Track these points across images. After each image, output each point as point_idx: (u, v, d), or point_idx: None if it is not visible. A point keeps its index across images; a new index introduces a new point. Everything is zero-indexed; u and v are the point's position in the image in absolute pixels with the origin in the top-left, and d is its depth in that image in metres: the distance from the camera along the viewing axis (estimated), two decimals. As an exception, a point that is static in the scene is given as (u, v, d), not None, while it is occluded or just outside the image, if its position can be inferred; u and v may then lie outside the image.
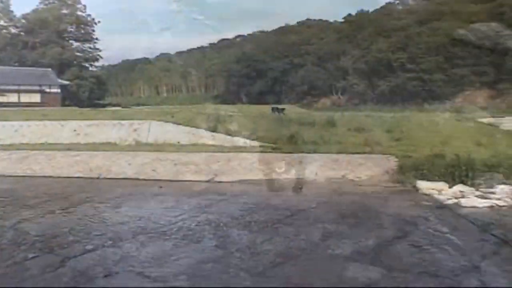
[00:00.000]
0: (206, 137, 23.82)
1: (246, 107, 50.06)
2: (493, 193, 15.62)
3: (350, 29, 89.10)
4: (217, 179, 18.61)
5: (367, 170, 18.65)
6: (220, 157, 19.75)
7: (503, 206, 14.43)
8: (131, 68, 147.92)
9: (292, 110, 46.25)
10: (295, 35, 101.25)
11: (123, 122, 26.07)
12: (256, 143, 22.71)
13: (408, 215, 13.43)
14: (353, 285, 8.28)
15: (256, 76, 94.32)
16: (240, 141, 23.07)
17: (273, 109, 39.73)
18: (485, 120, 31.13)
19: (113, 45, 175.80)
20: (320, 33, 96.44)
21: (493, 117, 34.38)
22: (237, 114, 28.48)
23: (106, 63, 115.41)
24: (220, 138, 23.51)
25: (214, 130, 24.35)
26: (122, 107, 60.07)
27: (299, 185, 17.54)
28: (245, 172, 18.82)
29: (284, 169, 18.77)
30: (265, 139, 23.23)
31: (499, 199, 14.90)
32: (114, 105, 72.26)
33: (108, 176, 19.49)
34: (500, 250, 10.40)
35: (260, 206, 14.46)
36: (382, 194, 16.44)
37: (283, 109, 39.95)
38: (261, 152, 20.55)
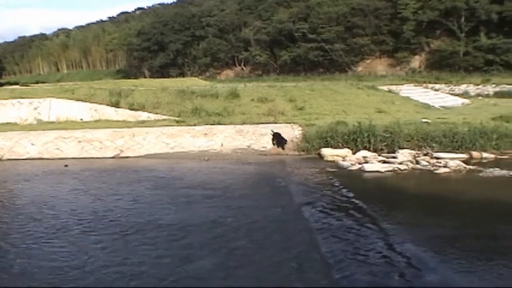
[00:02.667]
0: (109, 113, 23.75)
1: (148, 81, 48.89)
2: (395, 157, 16.38)
3: (251, 0, 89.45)
4: (122, 154, 18.47)
5: (271, 140, 18.93)
6: (124, 133, 19.54)
7: (404, 170, 15.17)
8: (28, 45, 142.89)
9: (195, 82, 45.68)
10: (196, 7, 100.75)
11: (22, 101, 25.45)
12: (160, 117, 22.62)
13: (313, 181, 13.70)
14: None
15: (157, 50, 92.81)
16: (144, 115, 22.96)
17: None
18: (385, 88, 32.70)
19: (6, 21, 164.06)
20: (221, 5, 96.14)
21: (392, 84, 36.24)
22: (139, 89, 27.76)
23: (1, 41, 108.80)
24: (123, 113, 23.34)
25: (116, 105, 24.19)
26: (21, 86, 55.97)
27: (204, 157, 17.60)
28: (150, 146, 18.84)
29: (189, 141, 18.85)
30: (168, 113, 23.17)
31: (400, 163, 15.64)
32: (12, 84, 67.33)
33: (12, 157, 18.67)
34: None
35: (164, 180, 14.40)
36: (287, 162, 16.78)
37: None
38: (166, 125, 20.55)
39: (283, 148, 14.50)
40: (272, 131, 16.18)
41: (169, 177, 14.90)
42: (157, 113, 23.02)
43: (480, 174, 14.26)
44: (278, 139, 15.40)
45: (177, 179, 14.47)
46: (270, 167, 16.02)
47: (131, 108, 23.55)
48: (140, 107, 23.55)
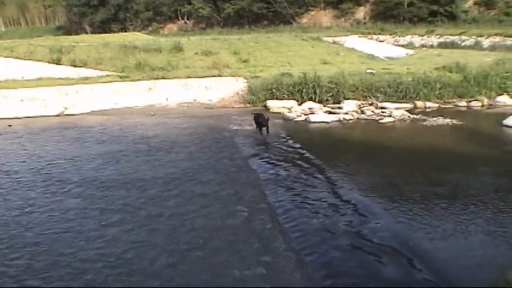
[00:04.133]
0: (51, 70, 22.59)
1: (90, 37, 46.86)
2: (340, 108, 16.55)
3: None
4: (67, 112, 18.01)
5: (217, 93, 18.99)
6: (68, 90, 18.85)
7: (350, 120, 15.36)
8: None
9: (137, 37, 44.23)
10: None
11: (-43, 60, 23.74)
12: (103, 73, 21.96)
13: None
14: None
15: (97, 5, 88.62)
16: (87, 72, 22.17)
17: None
18: (329, 39, 32.76)
19: None
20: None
21: (337, 36, 36.34)
22: (81, 45, 26.62)
23: None
24: (65, 70, 22.41)
25: (58, 62, 23.22)
26: (-44, 45, 51.90)
27: (150, 112, 17.42)
28: (95, 103, 18.40)
29: (134, 96, 18.55)
30: (112, 68, 22.60)
31: (346, 113, 15.82)
32: None
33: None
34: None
35: (110, 136, 14.08)
36: (233, 115, 16.68)
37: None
38: (110, 81, 19.91)
39: (267, 132, 13.07)
40: (252, 113, 14.16)
41: (115, 133, 14.49)
42: (100, 69, 22.35)
43: (424, 123, 14.62)
44: (258, 121, 13.16)
45: (122, 135, 14.10)
46: (217, 120, 15.87)
47: (73, 65, 22.74)
48: (83, 63, 22.77)
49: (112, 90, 18.74)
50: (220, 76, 20.20)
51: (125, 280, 6.07)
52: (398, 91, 17.61)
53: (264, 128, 13.10)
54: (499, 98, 17.47)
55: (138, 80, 19.85)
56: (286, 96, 17.75)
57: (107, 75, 21.50)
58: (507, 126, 13.53)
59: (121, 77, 20.82)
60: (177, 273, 6.29)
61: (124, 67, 22.46)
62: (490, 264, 5.72)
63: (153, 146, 12.48)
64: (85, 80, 20.48)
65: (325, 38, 32.74)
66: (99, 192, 9.15)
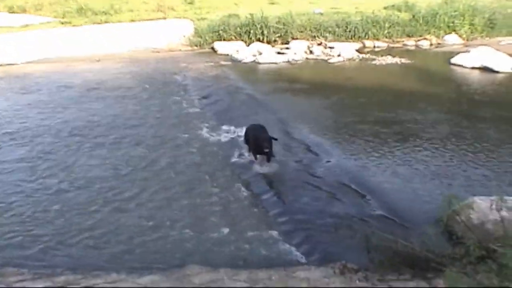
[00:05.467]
0: None
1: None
2: (288, 48, 16.33)
3: None
4: (8, 61, 16.64)
5: (163, 36, 18.32)
6: (8, 38, 17.59)
7: (299, 60, 15.21)
8: None
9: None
10: None
11: None
12: (44, 19, 20.65)
13: (208, 76, 13.43)
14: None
15: None
16: (26, 18, 20.76)
17: None
18: (277, -21, 31.94)
19: None
20: None
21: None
22: None
23: None
24: (3, 18, 20.89)
25: None
26: None
27: (96, 58, 16.51)
28: (38, 51, 17.16)
29: (77, 43, 17.53)
30: (52, 14, 21.33)
31: (294, 54, 15.63)
32: None
33: None
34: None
35: (55, 83, 13.31)
36: (181, 58, 16.22)
37: None
38: (51, 28, 18.80)
39: (269, 160, 7.35)
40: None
41: (60, 81, 13.66)
42: (40, 15, 21.05)
43: (373, 62, 14.66)
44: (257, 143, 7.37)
45: (68, 82, 13.33)
46: (164, 64, 15.36)
47: (11, 11, 21.43)
48: (21, 10, 21.53)
49: (54, 37, 17.70)
50: (165, 19, 19.49)
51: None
52: (347, 30, 17.50)
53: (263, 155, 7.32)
54: (447, 37, 17.65)
55: (81, 25, 18.96)
56: (233, 38, 17.35)
57: (48, 22, 20.31)
58: (454, 64, 13.71)
59: (62, 23, 19.82)
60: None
61: (65, 12, 21.35)
62: (435, 197, 5.79)
63: (102, 93, 11.98)
64: (26, 27, 19.32)
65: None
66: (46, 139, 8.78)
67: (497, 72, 12.71)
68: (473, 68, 13.28)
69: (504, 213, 4.28)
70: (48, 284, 4.30)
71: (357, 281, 3.95)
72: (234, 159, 7.72)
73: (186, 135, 8.72)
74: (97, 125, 9.32)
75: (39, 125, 9.50)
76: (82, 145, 8.33)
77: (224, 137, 8.61)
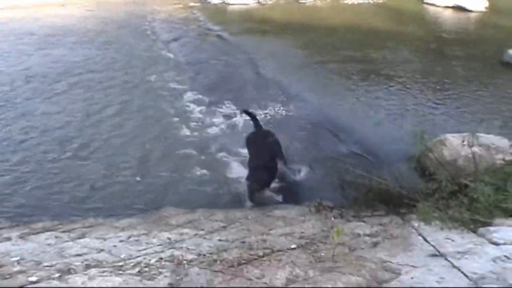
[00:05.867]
0: None
1: None
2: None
3: None
4: None
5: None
6: None
7: (269, 1, 14.89)
8: None
9: None
10: None
11: None
12: None
13: (177, 18, 13.15)
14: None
15: None
16: None
17: None
18: None
19: None
20: None
21: None
22: None
23: None
24: None
25: None
26: None
27: (60, 3, 15.74)
28: None
29: None
30: None
31: (266, -5, 15.29)
32: None
33: None
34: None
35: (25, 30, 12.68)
36: (149, 1, 15.61)
37: None
38: None
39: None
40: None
41: (22, 27, 12.96)
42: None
43: (345, 2, 14.49)
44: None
45: (31, 28, 12.62)
46: (132, 7, 14.79)
47: None
48: None
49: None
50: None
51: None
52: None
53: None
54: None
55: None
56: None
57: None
58: (427, 3, 13.61)
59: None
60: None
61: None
62: (407, 135, 5.81)
63: (63, 38, 11.47)
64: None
65: None
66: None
67: (470, 11, 12.68)
68: (446, 7, 13.22)
69: (475, 149, 4.34)
70: (27, 230, 4.24)
71: (333, 218, 4.00)
72: (208, 99, 7.60)
73: (153, 79, 8.49)
74: (58, 72, 8.92)
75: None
76: (42, 93, 7.98)
77: (194, 80, 8.44)
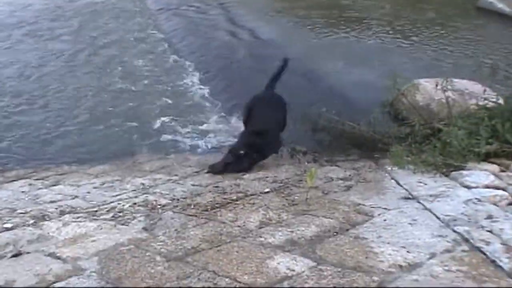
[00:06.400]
0: None
1: None
2: None
3: None
4: None
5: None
6: None
7: None
8: None
9: None
10: None
11: None
12: None
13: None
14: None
15: None
16: None
17: None
18: None
19: None
20: None
21: None
22: None
23: None
24: None
25: None
26: None
27: None
28: None
29: None
30: None
31: None
32: None
33: None
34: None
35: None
36: None
37: None
38: None
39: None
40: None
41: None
42: None
43: None
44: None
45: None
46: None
47: None
48: None
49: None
50: None
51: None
52: None
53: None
54: None
55: None
56: None
57: None
58: None
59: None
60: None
61: None
62: (380, 80, 5.76)
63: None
64: None
65: None
66: None
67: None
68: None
69: (449, 93, 4.32)
70: (0, 179, 4.22)
71: (306, 163, 3.98)
72: (179, 45, 7.38)
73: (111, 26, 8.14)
74: (16, 20, 8.52)
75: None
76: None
77: (164, 21, 8.17)
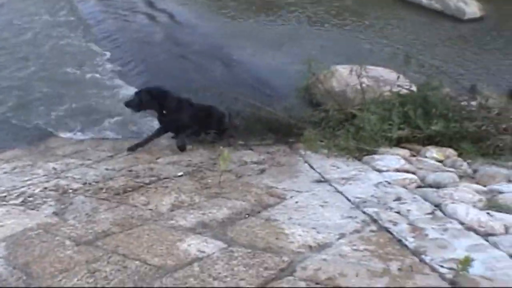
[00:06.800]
0: None
1: None
2: None
3: None
4: None
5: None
6: None
7: None
8: None
9: None
10: None
11: None
12: None
13: None
14: None
15: None
16: None
17: None
18: None
19: None
20: None
21: None
22: None
23: None
24: None
25: None
26: None
27: None
28: None
29: None
30: None
31: None
32: None
33: None
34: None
35: None
36: None
37: None
38: None
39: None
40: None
41: None
42: None
43: None
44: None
45: None
46: None
47: None
48: None
49: None
50: None
51: None
52: None
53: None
54: None
55: None
56: None
57: None
58: None
59: None
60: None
61: None
62: (297, 67, 5.80)
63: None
64: None
65: None
66: None
67: None
68: None
69: (364, 80, 4.39)
70: None
71: (221, 147, 3.89)
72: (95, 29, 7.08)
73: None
74: None
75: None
76: None
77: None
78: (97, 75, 5.96)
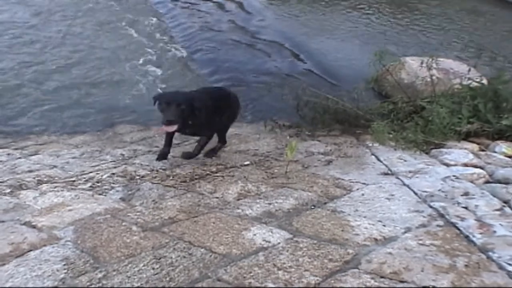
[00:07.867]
0: None
1: None
2: None
3: None
4: None
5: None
6: None
7: None
8: None
9: None
10: None
11: None
12: None
13: None
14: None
15: None
16: None
17: None
18: None
19: None
20: None
21: None
22: None
23: None
24: None
25: None
26: None
27: None
28: None
29: None
30: None
31: None
32: None
33: None
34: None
35: None
36: None
37: None
38: None
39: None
40: None
41: None
42: None
43: None
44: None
45: None
46: None
47: None
48: None
49: None
50: None
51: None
52: None
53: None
54: None
55: None
56: None
57: None
58: None
59: None
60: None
61: None
62: (367, 58, 5.75)
63: None
64: None
65: None
66: None
67: None
68: None
69: (434, 72, 4.32)
70: None
71: (288, 137, 3.96)
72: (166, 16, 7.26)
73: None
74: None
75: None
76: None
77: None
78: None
